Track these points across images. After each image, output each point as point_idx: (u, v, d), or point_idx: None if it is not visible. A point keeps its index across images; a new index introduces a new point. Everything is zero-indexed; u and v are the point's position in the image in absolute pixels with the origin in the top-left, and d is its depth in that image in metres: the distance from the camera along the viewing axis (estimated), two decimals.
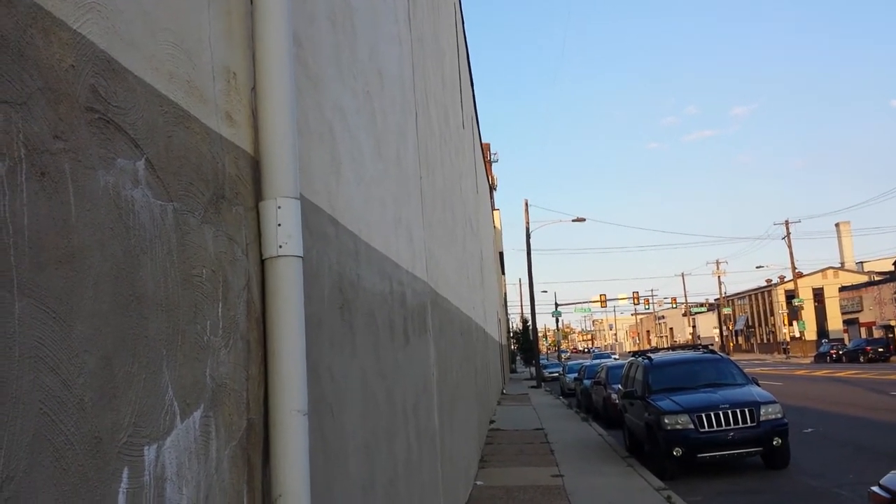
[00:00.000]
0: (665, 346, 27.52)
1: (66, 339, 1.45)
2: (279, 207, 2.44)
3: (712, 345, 33.25)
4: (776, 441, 11.81)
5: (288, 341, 2.42)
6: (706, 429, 11.91)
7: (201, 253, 2.05)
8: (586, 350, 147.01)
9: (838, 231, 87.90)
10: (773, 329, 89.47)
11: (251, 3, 2.54)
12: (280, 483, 2.35)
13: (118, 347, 1.62)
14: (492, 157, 59.99)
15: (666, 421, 12.13)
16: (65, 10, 1.53)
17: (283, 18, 2.54)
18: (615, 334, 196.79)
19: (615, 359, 42.38)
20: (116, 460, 1.59)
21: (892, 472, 5.55)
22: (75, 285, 1.49)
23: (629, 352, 22.95)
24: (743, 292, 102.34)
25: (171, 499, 1.80)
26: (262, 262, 2.46)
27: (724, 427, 11.90)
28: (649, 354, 15.60)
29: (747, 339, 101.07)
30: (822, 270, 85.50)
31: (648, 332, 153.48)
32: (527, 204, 43.94)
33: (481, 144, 28.07)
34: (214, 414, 2.06)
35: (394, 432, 4.61)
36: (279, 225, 2.43)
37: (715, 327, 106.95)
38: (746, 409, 12.00)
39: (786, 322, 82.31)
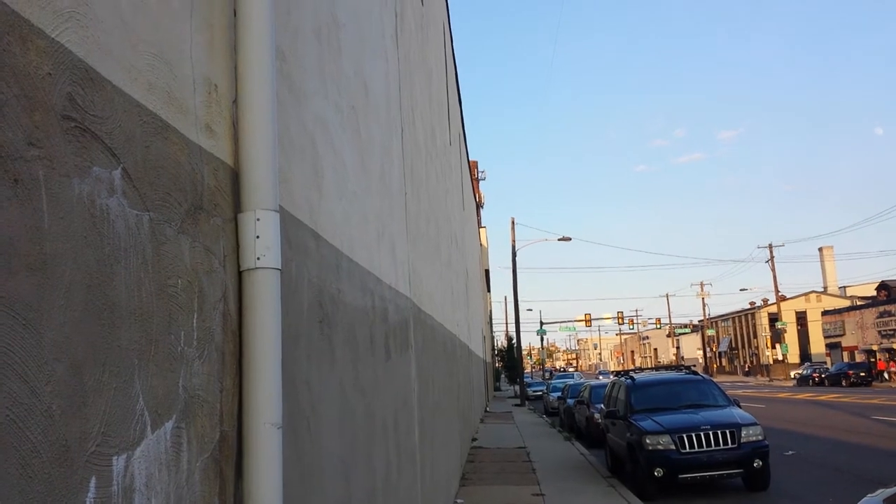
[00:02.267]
0: (649, 367, 27.60)
1: (35, 347, 1.45)
2: (258, 219, 2.44)
3: (694, 366, 33.42)
4: (757, 463, 11.84)
5: (263, 354, 2.41)
6: (687, 450, 11.93)
7: (177, 263, 2.05)
8: (562, 370, 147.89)
9: (821, 255, 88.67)
10: (757, 351, 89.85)
11: (234, 15, 2.55)
12: (252, 496, 2.34)
13: (88, 356, 1.61)
14: (479, 174, 60.15)
15: (647, 441, 12.14)
16: (43, 18, 1.53)
17: (266, 31, 2.55)
18: (600, 354, 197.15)
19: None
20: (84, 469, 1.58)
21: (869, 495, 5.57)
22: (46, 293, 1.49)
23: (612, 371, 23.00)
24: (727, 314, 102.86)
25: None
26: (240, 273, 2.45)
27: (705, 448, 11.92)
28: (632, 374, 15.64)
29: (731, 360, 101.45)
30: (806, 294, 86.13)
31: (633, 352, 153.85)
32: (513, 222, 44.07)
33: (468, 162, 28.16)
34: (186, 425, 2.05)
35: (372, 447, 4.60)
36: (257, 237, 2.43)
37: (699, 348, 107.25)
38: (728, 431, 12.04)
39: (769, 345, 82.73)
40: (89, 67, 1.68)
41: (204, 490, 2.14)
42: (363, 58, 5.08)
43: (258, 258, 2.43)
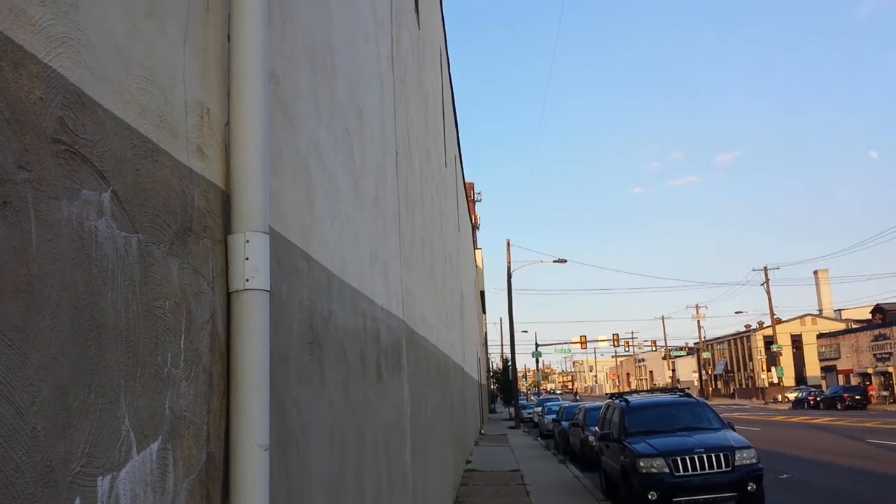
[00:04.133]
0: (645, 389, 27.62)
1: (20, 367, 1.46)
2: (247, 241, 2.46)
3: (688, 388, 33.39)
4: (751, 486, 11.79)
5: (251, 375, 2.42)
6: (681, 473, 11.88)
7: (165, 285, 2.06)
8: (552, 391, 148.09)
9: (816, 279, 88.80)
10: (752, 374, 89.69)
11: (228, 40, 2.59)
12: None
13: (74, 377, 1.62)
14: (475, 196, 60.27)
15: (641, 464, 12.10)
16: (36, 43, 1.56)
17: (259, 56, 2.59)
18: (595, 376, 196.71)
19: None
20: (68, 490, 1.59)
21: None
22: (33, 314, 1.50)
23: (607, 394, 22.92)
24: (722, 337, 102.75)
25: None
26: (229, 295, 2.47)
27: (699, 471, 11.88)
28: (626, 397, 15.61)
29: (726, 383, 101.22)
30: (801, 317, 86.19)
31: (629, 374, 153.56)
32: (509, 244, 44.13)
33: (464, 183, 28.26)
34: (173, 446, 2.06)
35: (363, 469, 4.58)
36: (247, 259, 2.45)
37: (694, 371, 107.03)
38: (721, 454, 12.00)
39: (764, 367, 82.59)
40: (81, 92, 1.71)
41: None
42: (358, 81, 5.13)
43: (247, 280, 2.44)
